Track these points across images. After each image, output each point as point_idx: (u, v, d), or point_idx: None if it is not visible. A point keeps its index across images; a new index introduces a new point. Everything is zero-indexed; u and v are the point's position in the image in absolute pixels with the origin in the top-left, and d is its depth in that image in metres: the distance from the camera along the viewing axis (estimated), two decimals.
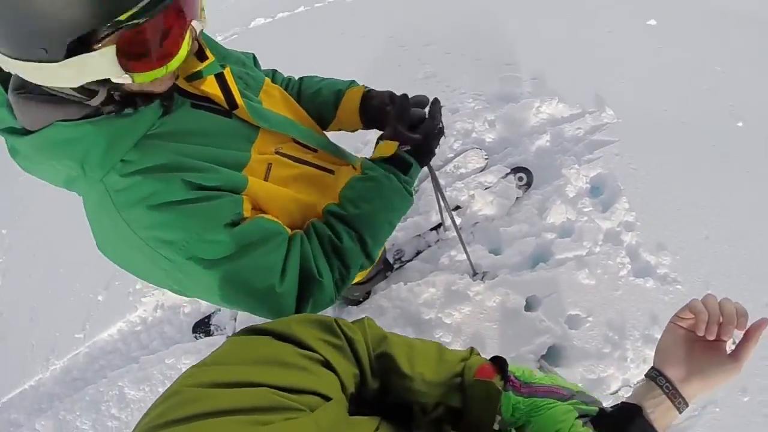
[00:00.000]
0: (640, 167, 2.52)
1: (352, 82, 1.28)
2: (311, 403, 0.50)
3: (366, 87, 1.25)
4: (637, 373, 2.00)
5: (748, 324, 0.65)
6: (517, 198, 2.41)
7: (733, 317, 0.64)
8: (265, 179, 0.94)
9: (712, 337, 0.65)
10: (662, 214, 2.35)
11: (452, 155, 2.58)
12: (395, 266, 2.39)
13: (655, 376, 0.67)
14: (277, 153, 0.99)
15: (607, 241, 2.25)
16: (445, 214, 2.24)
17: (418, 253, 2.42)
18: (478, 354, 0.79)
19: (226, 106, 0.92)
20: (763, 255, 2.21)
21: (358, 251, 0.98)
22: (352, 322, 0.74)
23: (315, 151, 1.13)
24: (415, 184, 1.09)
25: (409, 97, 1.13)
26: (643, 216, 2.35)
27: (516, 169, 2.46)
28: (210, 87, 0.89)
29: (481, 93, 2.88)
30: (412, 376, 0.69)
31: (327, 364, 0.59)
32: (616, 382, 1.98)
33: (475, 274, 2.22)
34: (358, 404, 0.63)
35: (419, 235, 2.42)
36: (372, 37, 3.54)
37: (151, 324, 2.61)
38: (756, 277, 2.16)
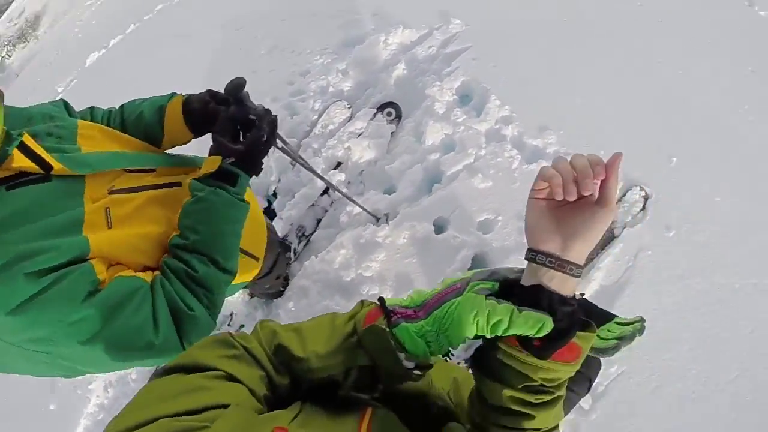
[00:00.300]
0: (499, 63, 2.52)
1: (173, 94, 1.19)
2: (214, 417, 0.50)
3: (184, 95, 1.19)
4: None
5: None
6: (391, 133, 2.33)
7: (587, 170, 0.57)
8: (109, 226, 0.91)
9: (573, 198, 0.59)
10: (534, 98, 2.35)
11: (316, 116, 2.45)
12: (302, 243, 2.25)
13: (533, 257, 0.62)
14: (111, 193, 0.95)
15: (490, 142, 2.23)
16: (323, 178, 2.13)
17: (318, 222, 2.29)
18: (370, 304, 0.72)
19: (41, 171, 0.86)
20: (637, 104, 2.27)
21: (214, 272, 0.98)
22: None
23: (153, 170, 1.08)
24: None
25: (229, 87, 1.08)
26: (517, 106, 2.34)
27: (382, 107, 2.38)
28: (19, 161, 0.83)
29: (326, 47, 2.77)
30: (306, 357, 0.66)
31: (231, 377, 0.60)
32: None
33: (377, 219, 2.12)
34: (278, 402, 0.64)
35: (313, 205, 2.28)
36: (207, 31, 3.32)
37: (109, 406, 2.42)
38: (635, 126, 2.22)
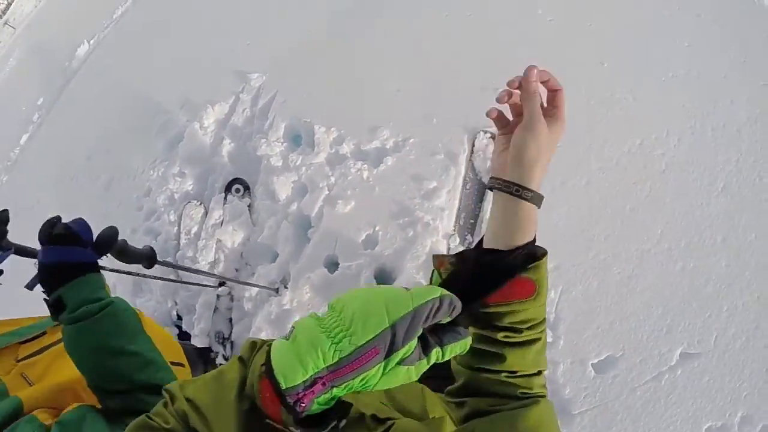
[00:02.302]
0: (307, 93, 2.64)
1: None
2: None
3: None
4: (446, 225, 2.14)
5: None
6: (248, 206, 2.37)
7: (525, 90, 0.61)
8: (30, 384, 0.98)
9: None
10: (350, 107, 2.49)
11: (176, 228, 2.44)
12: (227, 346, 2.26)
13: (491, 185, 0.64)
14: (18, 361, 1.02)
15: (334, 167, 2.33)
16: (211, 279, 2.15)
17: (230, 320, 2.30)
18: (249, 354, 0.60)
19: None
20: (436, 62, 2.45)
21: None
22: None
23: (44, 333, 1.14)
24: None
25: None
26: (340, 123, 2.47)
27: (228, 187, 2.42)
28: None
29: (154, 158, 2.77)
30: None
31: None
32: (440, 242, 2.10)
33: (276, 290, 2.17)
34: None
35: (216, 309, 2.29)
36: (47, 194, 3.22)
37: None
38: (458, 78, 2.39)
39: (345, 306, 0.50)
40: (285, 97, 2.64)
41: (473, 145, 2.35)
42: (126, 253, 1.12)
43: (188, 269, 1.74)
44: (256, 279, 2.21)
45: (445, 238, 2.15)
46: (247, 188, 2.42)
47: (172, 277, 2.21)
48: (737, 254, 1.94)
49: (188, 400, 0.58)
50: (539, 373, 0.65)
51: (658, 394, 1.78)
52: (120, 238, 1.08)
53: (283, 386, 0.47)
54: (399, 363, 0.48)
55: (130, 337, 0.95)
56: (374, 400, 0.91)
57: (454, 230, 2.18)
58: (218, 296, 2.28)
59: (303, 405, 0.48)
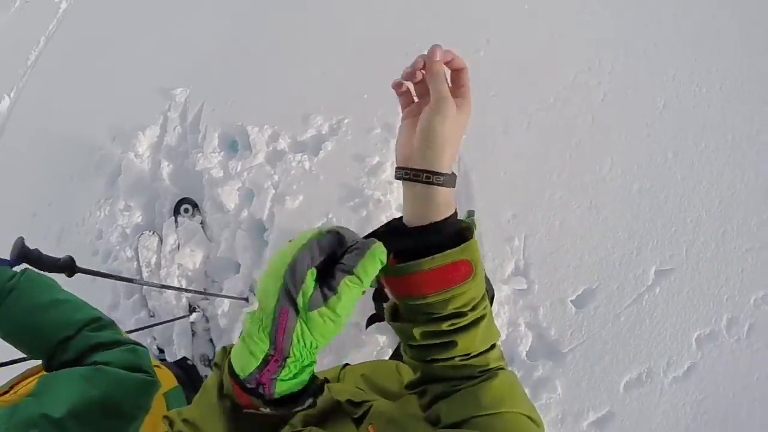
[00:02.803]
0: (232, 97, 2.58)
1: None
2: None
3: None
4: (398, 197, 2.12)
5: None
6: (201, 223, 2.33)
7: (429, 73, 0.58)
8: None
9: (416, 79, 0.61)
10: (277, 101, 2.44)
11: (135, 263, 2.40)
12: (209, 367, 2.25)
13: (399, 174, 0.60)
14: None
15: (275, 164, 2.30)
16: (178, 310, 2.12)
17: (211, 340, 2.28)
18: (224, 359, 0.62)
19: None
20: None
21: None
22: None
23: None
24: None
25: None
26: (272, 119, 2.42)
27: (176, 210, 2.37)
28: None
29: (97, 199, 2.69)
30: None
31: None
32: (395, 215, 2.07)
33: (246, 300, 2.16)
34: None
35: (194, 333, 2.27)
36: None
37: None
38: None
39: (258, 290, 0.53)
40: (212, 105, 2.57)
41: None
42: (41, 262, 1.11)
43: (120, 278, 1.69)
44: (225, 293, 2.18)
45: (399, 210, 2.13)
46: (195, 206, 2.37)
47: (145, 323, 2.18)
48: (690, 166, 1.96)
49: (184, 420, 0.62)
50: (493, 346, 0.64)
51: (642, 315, 1.82)
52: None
53: (242, 376, 0.53)
54: (310, 309, 0.49)
55: (56, 290, 1.02)
56: (349, 386, 0.93)
57: None
58: (191, 322, 2.25)
59: (265, 385, 0.53)
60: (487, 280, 1.29)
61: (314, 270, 0.50)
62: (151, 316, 2.25)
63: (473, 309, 0.60)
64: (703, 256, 1.85)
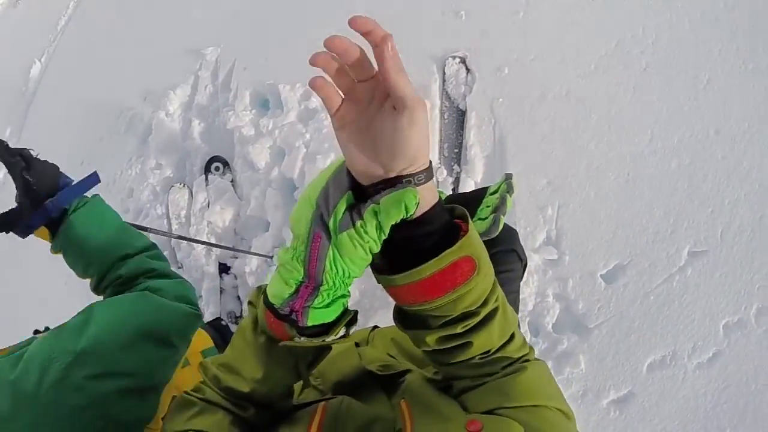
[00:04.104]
0: (265, 56, 2.55)
1: None
2: None
3: None
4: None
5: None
6: (231, 182, 2.32)
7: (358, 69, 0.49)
8: None
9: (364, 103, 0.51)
10: (310, 68, 2.37)
11: (165, 220, 2.41)
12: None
13: (368, 197, 0.51)
14: None
15: (307, 123, 2.25)
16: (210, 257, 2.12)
17: (239, 297, 2.29)
18: (258, 299, 0.63)
19: None
20: None
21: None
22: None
23: None
24: None
25: None
26: (305, 77, 2.31)
27: (207, 167, 2.36)
28: None
29: (129, 157, 2.72)
30: (252, 389, 0.64)
31: None
32: None
33: (272, 257, 2.15)
34: (254, 430, 0.65)
35: (222, 290, 2.28)
36: None
37: None
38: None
39: (291, 218, 0.54)
40: (244, 64, 2.54)
41: (444, 73, 2.26)
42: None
43: (153, 230, 1.64)
44: (254, 251, 2.18)
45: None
46: (226, 164, 2.36)
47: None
48: (732, 145, 1.86)
49: (219, 365, 0.65)
50: (512, 337, 0.61)
51: (672, 296, 1.74)
52: None
53: (276, 305, 0.55)
54: (339, 231, 0.49)
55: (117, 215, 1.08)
56: (381, 353, 0.93)
57: (440, 163, 2.12)
58: (222, 278, 2.26)
59: (298, 312, 0.54)
60: (521, 248, 1.24)
61: (350, 194, 0.50)
62: (179, 268, 2.25)
63: (484, 304, 0.56)
64: (738, 241, 1.75)
